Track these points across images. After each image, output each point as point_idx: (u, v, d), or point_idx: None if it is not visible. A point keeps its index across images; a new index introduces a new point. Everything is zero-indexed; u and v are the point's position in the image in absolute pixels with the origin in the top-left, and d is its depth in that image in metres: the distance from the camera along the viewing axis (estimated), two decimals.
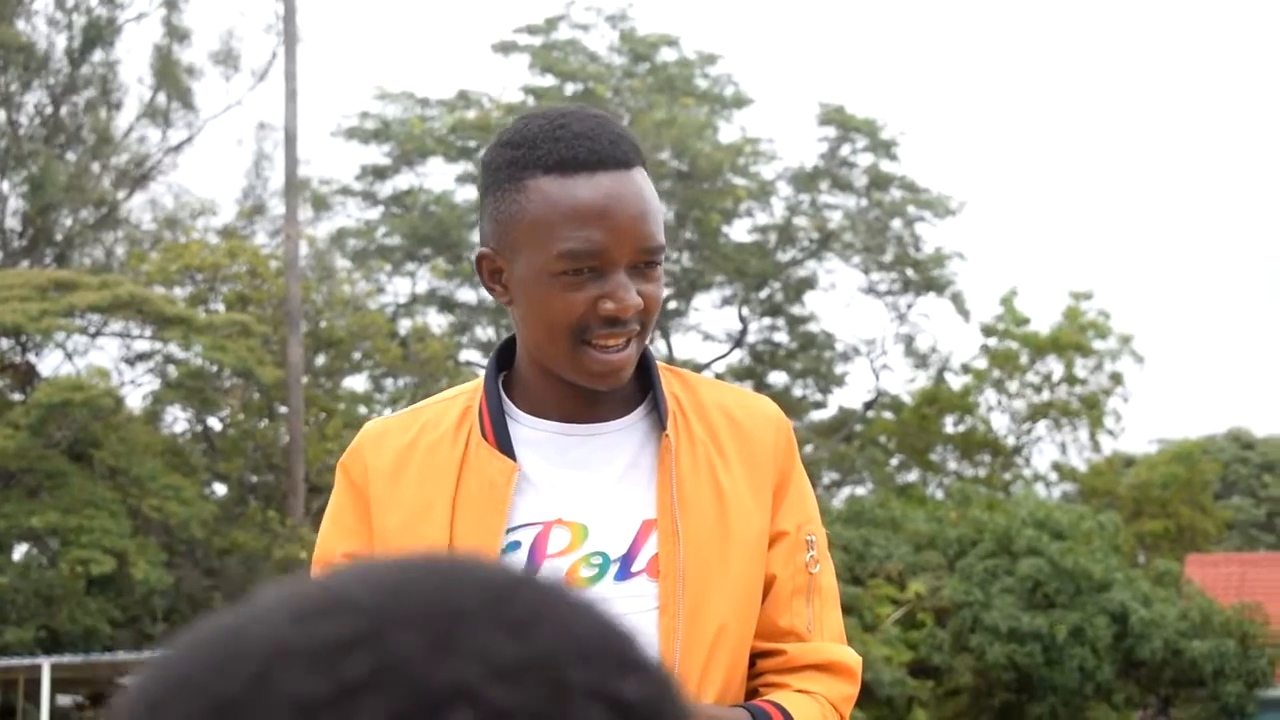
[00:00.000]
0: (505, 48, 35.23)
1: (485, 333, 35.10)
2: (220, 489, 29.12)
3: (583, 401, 2.23)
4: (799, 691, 2.23)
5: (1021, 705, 26.49)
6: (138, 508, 24.56)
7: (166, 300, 26.54)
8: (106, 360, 31.39)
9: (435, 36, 65.26)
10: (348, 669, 0.65)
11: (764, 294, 36.50)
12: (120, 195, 32.13)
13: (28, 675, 22.28)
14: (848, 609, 23.58)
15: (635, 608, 2.15)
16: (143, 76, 34.64)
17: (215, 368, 27.10)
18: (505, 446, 2.21)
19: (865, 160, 35.54)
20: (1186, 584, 29.13)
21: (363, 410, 29.25)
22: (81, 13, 30.88)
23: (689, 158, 32.80)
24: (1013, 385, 38.09)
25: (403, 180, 35.17)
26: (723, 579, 2.19)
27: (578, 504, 2.20)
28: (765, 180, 35.25)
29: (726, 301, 36.71)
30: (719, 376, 31.94)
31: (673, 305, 35.79)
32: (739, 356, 37.19)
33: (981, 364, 37.92)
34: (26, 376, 26.79)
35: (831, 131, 35.47)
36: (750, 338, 37.14)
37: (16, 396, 26.46)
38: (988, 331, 37.81)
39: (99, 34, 30.86)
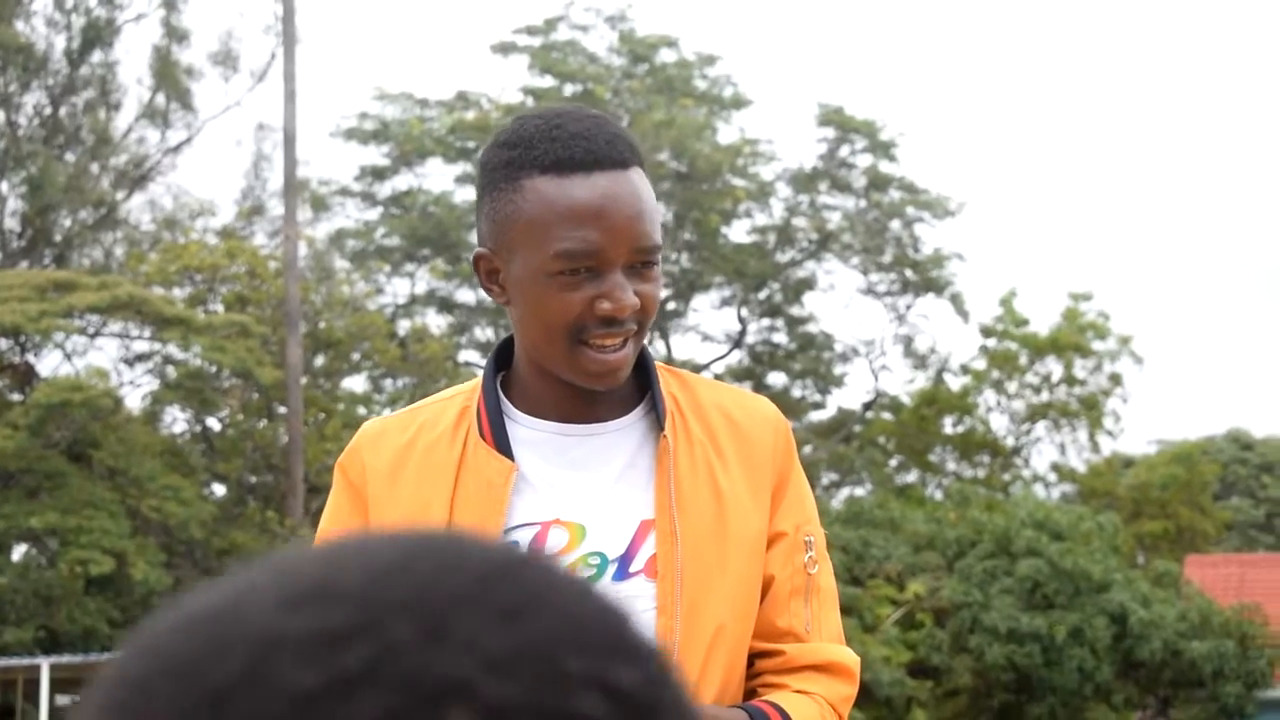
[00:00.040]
0: (504, 48, 35.24)
1: (484, 333, 35.10)
2: (219, 489, 29.12)
3: (581, 402, 2.23)
4: (797, 692, 2.23)
5: (1020, 706, 26.49)
6: (137, 508, 24.56)
7: (165, 301, 26.54)
8: (105, 361, 31.44)
9: (434, 37, 65.29)
10: (343, 661, 0.64)
11: (763, 295, 36.51)
12: (119, 196, 32.13)
13: (27, 675, 22.28)
14: (847, 609, 23.58)
15: (633, 608, 2.14)
16: (142, 77, 34.67)
17: (214, 368, 27.10)
18: (503, 446, 2.21)
19: (864, 161, 35.56)
20: (1186, 585, 29.13)
21: (362, 411, 29.25)
22: (80, 13, 30.89)
23: (688, 159, 32.81)
24: (1012, 386, 38.10)
25: (402, 181, 35.20)
26: (721, 579, 2.19)
27: (576, 504, 2.20)
28: (764, 181, 35.26)
29: (725, 302, 36.73)
30: (718, 377, 31.91)
31: (672, 306, 35.79)
32: (738, 357, 37.21)
33: (980, 365, 37.92)
34: (25, 377, 26.79)
35: (830, 132, 35.48)
36: (749, 338, 37.16)
37: (15, 397, 26.46)
38: (987, 332, 37.81)
39: (98, 35, 30.86)
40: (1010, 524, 26.66)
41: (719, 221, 34.48)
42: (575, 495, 2.20)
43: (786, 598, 2.25)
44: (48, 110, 31.01)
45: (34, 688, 22.19)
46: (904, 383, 41.44)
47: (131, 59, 43.22)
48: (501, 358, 2.31)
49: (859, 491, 35.92)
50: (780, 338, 37.33)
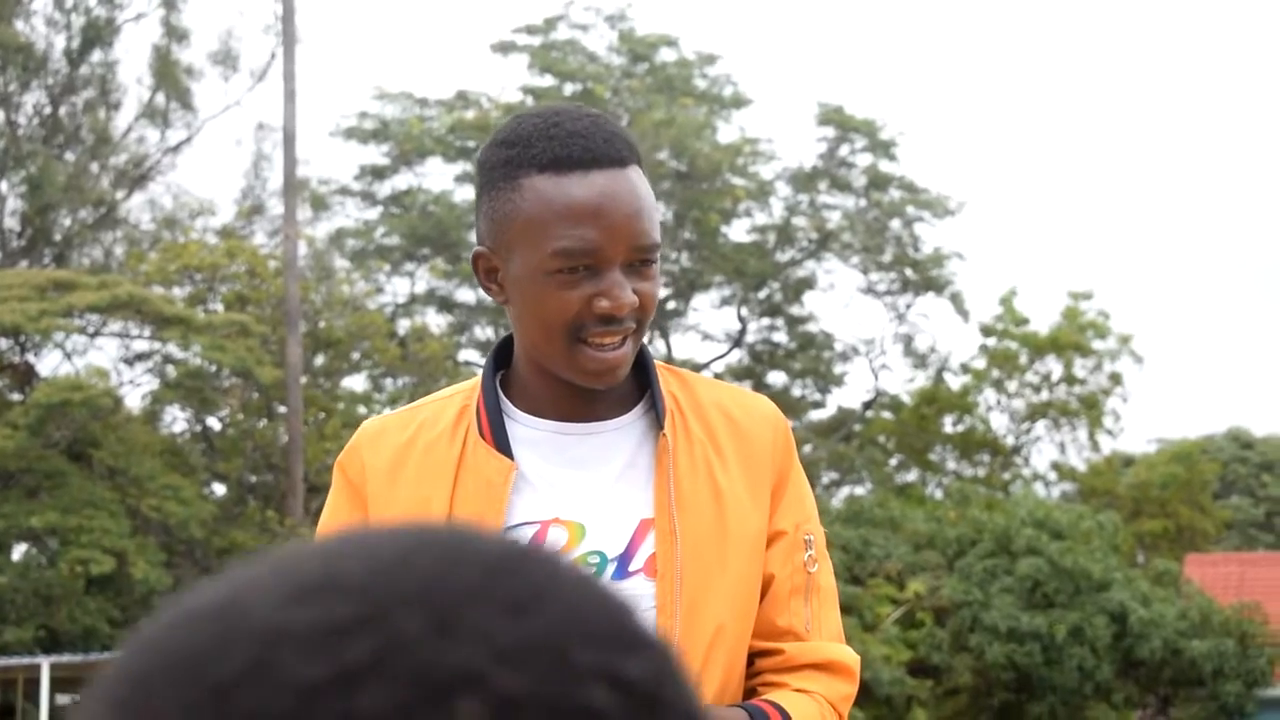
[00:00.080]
0: (504, 48, 35.25)
1: (484, 333, 35.10)
2: (219, 489, 29.13)
3: (580, 400, 2.23)
4: (797, 691, 2.22)
5: (1021, 705, 26.49)
6: (137, 507, 24.56)
7: (165, 300, 26.54)
8: (105, 360, 31.47)
9: (434, 36, 65.28)
10: (350, 653, 0.63)
11: (763, 294, 36.51)
12: (119, 195, 32.14)
13: (27, 675, 22.28)
14: (847, 608, 23.58)
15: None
16: (141, 77, 34.69)
17: (214, 368, 27.10)
18: (503, 445, 2.21)
19: (864, 160, 35.57)
20: (1186, 584, 29.13)
21: (362, 410, 29.25)
22: (80, 13, 30.88)
23: (688, 158, 32.81)
24: (1012, 385, 38.10)
25: (401, 180, 35.21)
26: (720, 578, 2.19)
27: (575, 503, 2.20)
28: (764, 180, 35.26)
29: (725, 301, 36.73)
30: (718, 376, 31.91)
31: (672, 305, 35.80)
32: (738, 356, 37.21)
33: (980, 364, 37.92)
34: (25, 376, 26.79)
35: (830, 132, 35.49)
36: (749, 338, 37.16)
37: (15, 396, 26.46)
38: (987, 331, 37.81)
39: (98, 34, 30.86)
40: (1010, 523, 26.67)
41: (719, 221, 34.48)
42: (575, 494, 2.20)
43: (786, 596, 2.25)
44: (47, 110, 31.01)
45: (34, 687, 22.19)
46: (904, 382, 41.46)
47: (131, 58, 43.24)
48: (501, 357, 2.31)
49: (859, 490, 35.94)
50: (780, 337, 37.34)
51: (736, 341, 36.86)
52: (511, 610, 0.66)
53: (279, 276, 27.86)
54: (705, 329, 37.92)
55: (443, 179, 36.14)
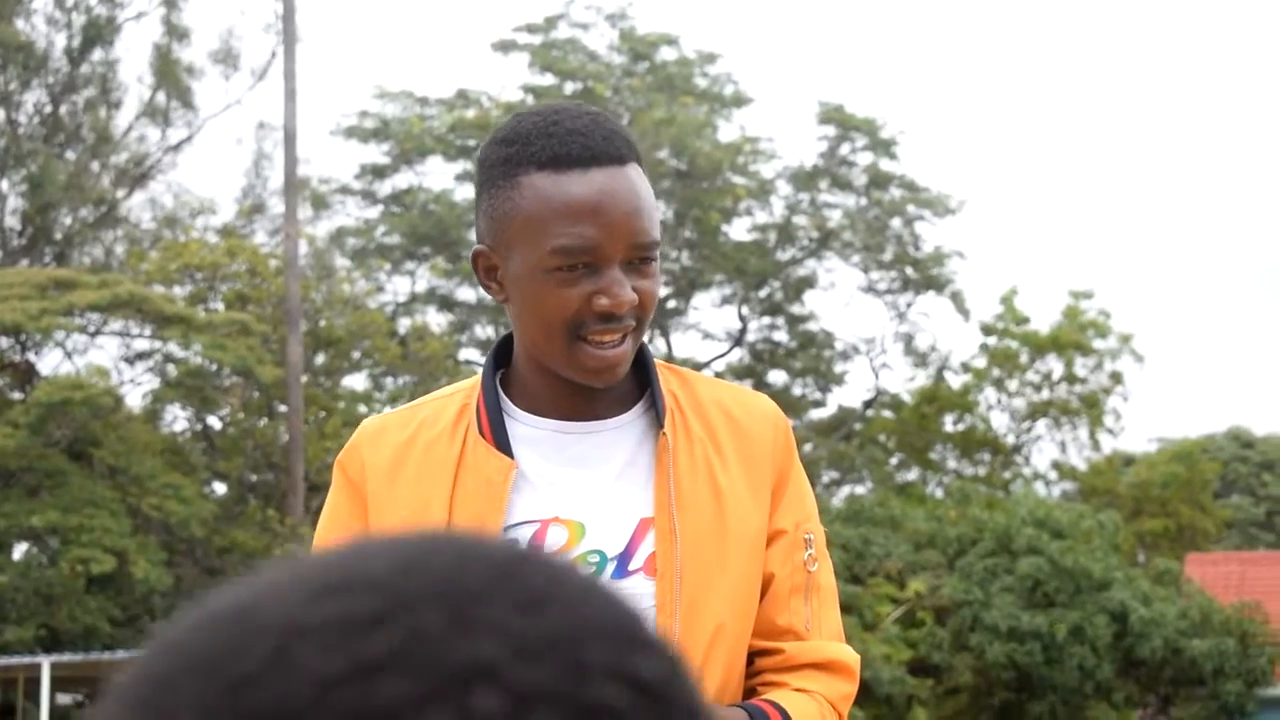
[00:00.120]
0: (505, 46, 35.25)
1: (485, 332, 35.11)
2: (220, 488, 29.14)
3: (580, 399, 2.23)
4: (797, 690, 2.22)
5: (1021, 704, 26.49)
6: (137, 506, 24.57)
7: (166, 299, 26.55)
8: (106, 359, 31.49)
9: (434, 35, 65.28)
10: (368, 646, 0.64)
11: (763, 293, 36.51)
12: (120, 194, 32.14)
13: (27, 674, 22.29)
14: (847, 608, 23.58)
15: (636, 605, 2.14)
16: (142, 75, 34.68)
17: (215, 366, 27.10)
18: (503, 444, 2.21)
19: (865, 159, 35.57)
20: (1186, 583, 29.12)
21: (362, 409, 29.25)
22: (81, 11, 30.89)
23: (688, 157, 32.81)
24: (1012, 384, 38.10)
25: (402, 179, 35.21)
26: (720, 577, 2.19)
27: (575, 502, 2.19)
28: (765, 179, 35.26)
29: (726, 300, 36.73)
30: (719, 375, 31.92)
31: (672, 304, 35.80)
32: (739, 355, 37.21)
33: (981, 363, 37.92)
34: (26, 375, 26.80)
35: (831, 130, 35.49)
36: (750, 336, 37.16)
37: (16, 395, 26.47)
38: (987, 330, 37.82)
39: (98, 33, 30.86)
40: (1011, 522, 26.66)
41: (719, 219, 34.48)
42: (575, 493, 2.20)
43: (786, 596, 2.25)
44: (48, 108, 31.01)
45: (35, 686, 22.20)
46: (904, 381, 41.46)
47: (132, 57, 43.16)
48: (501, 355, 2.31)
49: (859, 489, 35.94)
50: (781, 336, 37.34)
51: (737, 340, 36.86)
52: (526, 607, 0.66)
53: (280, 275, 27.86)
54: (706, 328, 37.96)
55: (443, 178, 36.16)
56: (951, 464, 38.34)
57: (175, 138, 32.33)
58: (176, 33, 31.72)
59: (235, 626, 0.66)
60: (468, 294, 34.81)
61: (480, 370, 2.31)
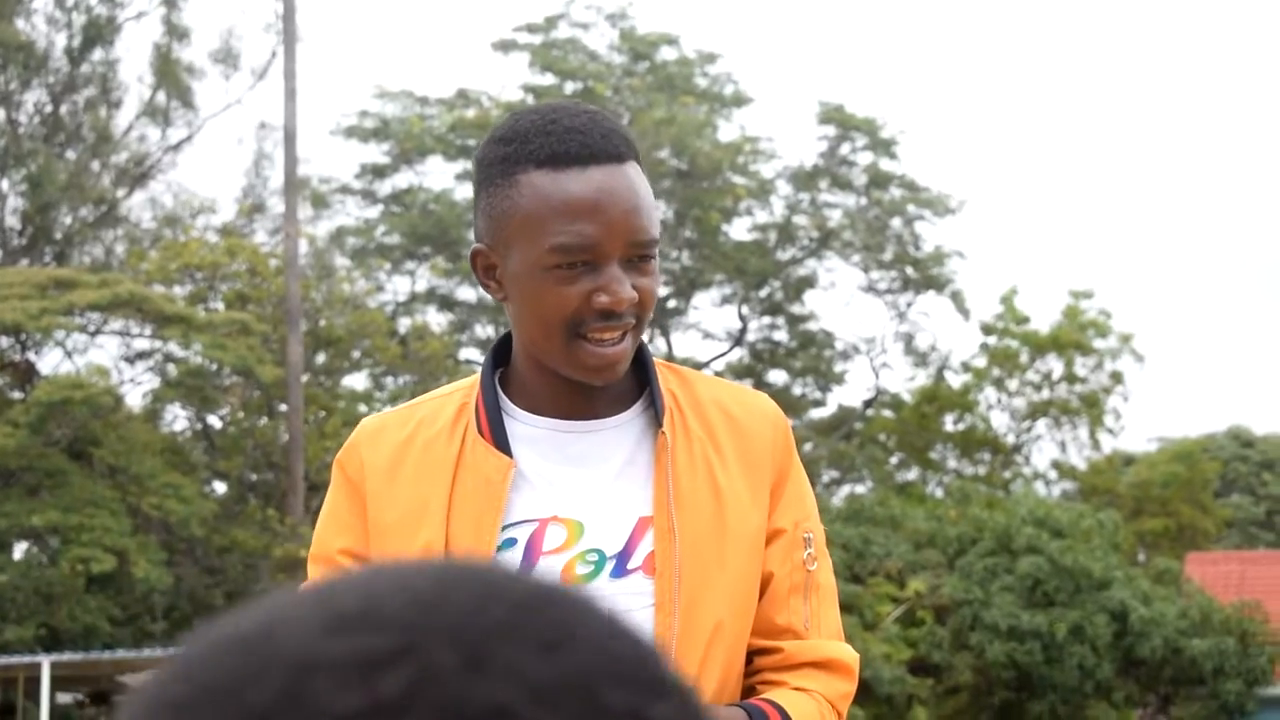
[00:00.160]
0: (505, 46, 35.24)
1: (485, 331, 35.11)
2: (220, 487, 29.14)
3: (579, 398, 2.22)
4: (796, 689, 2.22)
5: (1021, 703, 26.48)
6: (138, 506, 24.57)
7: (166, 299, 26.55)
8: (106, 359, 31.50)
9: (435, 35, 65.25)
10: (383, 685, 0.64)
11: (764, 292, 36.51)
12: (120, 194, 32.14)
13: (28, 673, 22.29)
14: (847, 607, 23.58)
15: (631, 605, 2.14)
16: (142, 75, 34.68)
17: (215, 366, 27.11)
18: (501, 443, 2.21)
19: (865, 159, 35.57)
20: (1186, 582, 29.12)
21: (362, 409, 29.25)
22: (81, 11, 30.89)
23: (688, 156, 32.80)
24: (1013, 384, 38.09)
25: (402, 179, 35.21)
26: (719, 576, 2.18)
27: (574, 501, 2.19)
28: (765, 179, 35.26)
29: (726, 300, 36.73)
30: (719, 374, 31.92)
31: (672, 304, 35.80)
32: (739, 355, 37.22)
33: (981, 362, 37.92)
34: (26, 375, 26.80)
35: (831, 130, 35.49)
36: (750, 336, 37.16)
37: (16, 395, 26.47)
38: (987, 330, 37.81)
39: (99, 32, 30.87)
40: (1011, 521, 26.66)
41: (720, 219, 34.48)
42: (573, 492, 2.20)
43: (785, 594, 2.25)
44: (48, 108, 31.02)
45: (35, 685, 22.20)
46: (905, 380, 41.48)
47: (132, 57, 43.28)
48: (500, 354, 2.31)
49: (859, 489, 35.94)
50: (781, 335, 37.35)
51: (737, 340, 36.86)
52: (544, 648, 0.66)
53: (280, 275, 27.86)
54: (706, 327, 37.99)
55: (443, 177, 36.13)
56: (951, 463, 38.35)
57: (175, 137, 32.37)
58: (177, 32, 31.73)
59: (250, 656, 0.66)
60: (468, 293, 34.81)
61: (479, 369, 2.31)
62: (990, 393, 38.16)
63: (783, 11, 62.70)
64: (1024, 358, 37.73)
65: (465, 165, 34.03)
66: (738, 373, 36.24)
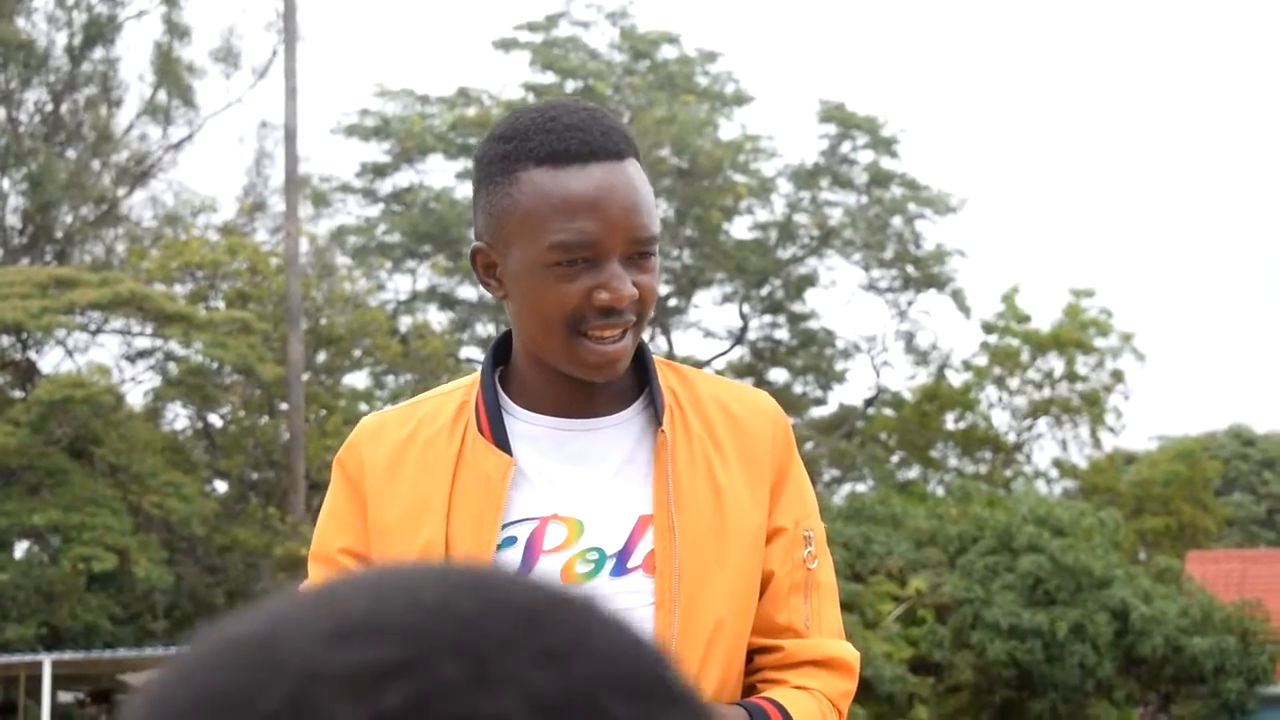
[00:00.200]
0: (506, 44, 35.24)
1: (485, 329, 35.10)
2: (221, 486, 29.15)
3: (579, 396, 2.22)
4: (796, 688, 2.22)
5: (1022, 702, 26.49)
6: (139, 505, 24.57)
7: (167, 297, 26.56)
8: (107, 357, 31.52)
9: (435, 34, 65.23)
10: (386, 698, 0.63)
11: (764, 291, 36.51)
12: (120, 192, 32.15)
13: (29, 672, 22.29)
14: (848, 605, 23.57)
15: (631, 603, 2.14)
16: (143, 74, 34.66)
17: (216, 365, 27.11)
18: (501, 441, 2.20)
19: (866, 157, 35.56)
20: (1187, 581, 29.11)
21: (363, 407, 29.27)
22: (82, 10, 30.90)
23: (689, 155, 32.80)
24: (1014, 382, 38.09)
25: (403, 177, 35.21)
26: (719, 574, 2.18)
27: (574, 499, 2.19)
28: (766, 177, 35.26)
29: (727, 298, 36.73)
30: (719, 373, 31.88)
31: (673, 302, 35.80)
32: (739, 353, 37.22)
33: (982, 361, 37.92)
34: (27, 374, 26.81)
35: (832, 129, 35.48)
36: (751, 335, 37.16)
37: (17, 394, 26.47)
38: (988, 328, 37.81)
39: (99, 31, 30.87)
40: (1012, 520, 26.66)
41: (720, 218, 34.48)
42: (573, 490, 2.19)
43: (786, 593, 2.24)
44: (49, 107, 31.02)
45: (36, 684, 22.20)
46: (905, 379, 41.49)
47: (133, 55, 43.33)
48: (500, 352, 2.30)
49: (860, 487, 35.94)
50: (782, 334, 37.34)
51: (738, 338, 36.86)
52: (549, 660, 0.65)
53: (280, 274, 27.87)
54: (707, 326, 37.99)
55: (444, 176, 36.12)
56: (952, 462, 38.35)
57: (176, 136, 32.38)
58: (177, 31, 31.73)
59: (254, 664, 0.66)
60: (468, 292, 34.81)
61: (480, 368, 2.31)
62: (991, 391, 38.17)
63: (783, 10, 62.74)
64: (1025, 356, 37.73)
65: (466, 164, 34.03)
66: (738, 371, 36.24)
